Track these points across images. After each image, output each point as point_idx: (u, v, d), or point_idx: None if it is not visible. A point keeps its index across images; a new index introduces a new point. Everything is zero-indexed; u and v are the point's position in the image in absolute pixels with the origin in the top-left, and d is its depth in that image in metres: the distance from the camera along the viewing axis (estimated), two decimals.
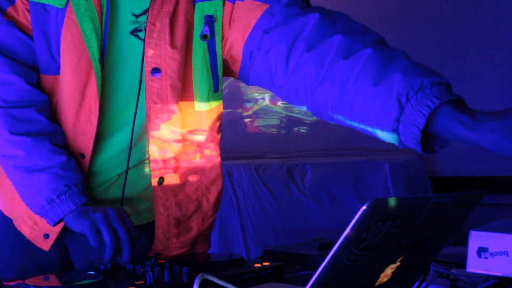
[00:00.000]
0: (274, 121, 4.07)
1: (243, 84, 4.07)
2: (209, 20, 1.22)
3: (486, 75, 3.53)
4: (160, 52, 1.21)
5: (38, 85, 1.23)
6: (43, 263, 1.32)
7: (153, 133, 1.24)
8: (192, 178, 1.31)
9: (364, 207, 0.67)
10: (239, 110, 4.12)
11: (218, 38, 1.23)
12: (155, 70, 1.21)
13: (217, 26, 1.23)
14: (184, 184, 1.30)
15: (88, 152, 1.25)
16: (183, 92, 1.25)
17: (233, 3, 1.22)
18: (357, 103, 1.03)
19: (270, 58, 1.16)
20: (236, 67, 1.26)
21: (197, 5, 1.23)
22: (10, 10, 1.20)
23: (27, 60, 1.21)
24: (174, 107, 1.24)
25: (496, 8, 3.52)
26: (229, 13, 1.22)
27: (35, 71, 1.22)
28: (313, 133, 3.94)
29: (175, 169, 1.29)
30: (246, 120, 4.12)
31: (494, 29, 3.52)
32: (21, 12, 1.20)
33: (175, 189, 1.29)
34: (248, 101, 4.12)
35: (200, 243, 1.37)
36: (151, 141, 1.25)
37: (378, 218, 0.70)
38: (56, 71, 1.22)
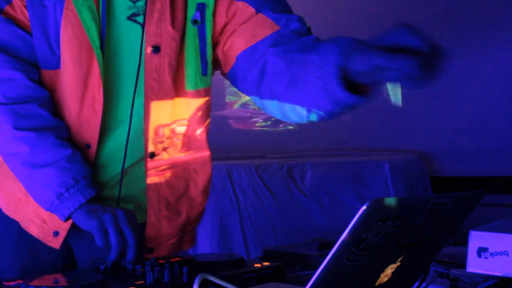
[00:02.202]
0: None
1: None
2: (201, 7, 1.26)
3: (486, 75, 3.53)
4: (160, 31, 1.23)
5: (40, 82, 1.24)
6: (46, 264, 1.32)
7: (151, 112, 1.26)
8: (181, 159, 1.34)
9: (364, 207, 0.67)
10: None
11: (208, 24, 1.27)
12: (155, 48, 1.23)
13: (208, 13, 1.27)
14: (173, 164, 1.33)
15: (94, 142, 1.26)
16: (175, 73, 1.28)
17: None
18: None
19: (264, 72, 1.22)
20: (226, 69, 1.32)
21: None
22: (7, 8, 1.22)
23: (27, 57, 1.23)
24: (169, 86, 1.27)
25: (496, 8, 3.52)
26: (227, 3, 1.26)
27: (36, 67, 1.24)
28: (312, 133, 3.94)
29: (165, 148, 1.31)
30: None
31: (494, 29, 3.51)
32: (19, 9, 1.21)
33: (165, 168, 1.32)
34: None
35: (188, 233, 1.39)
36: (148, 119, 1.27)
37: (378, 218, 0.70)
38: (56, 65, 1.23)
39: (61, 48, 1.21)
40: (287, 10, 1.29)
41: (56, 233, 1.27)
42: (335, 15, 3.84)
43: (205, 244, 3.01)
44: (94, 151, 1.26)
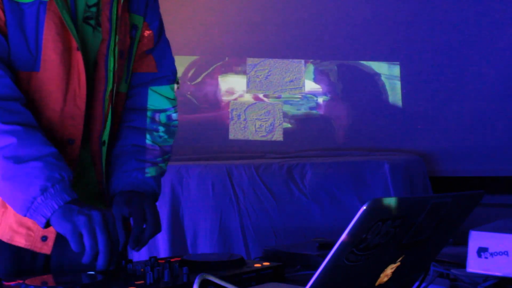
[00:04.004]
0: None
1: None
2: (135, 27, 1.45)
3: (486, 75, 3.53)
4: (124, 40, 1.39)
5: (16, 84, 1.24)
6: (25, 269, 1.29)
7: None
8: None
9: (364, 207, 0.68)
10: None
11: (136, 42, 1.46)
12: (121, 52, 1.38)
13: (137, 34, 1.46)
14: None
15: (78, 137, 1.28)
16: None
17: (151, 30, 1.48)
18: None
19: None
20: None
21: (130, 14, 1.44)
22: None
23: (4, 59, 1.23)
24: (121, 87, 1.44)
25: (497, 8, 3.52)
26: (144, 30, 1.47)
27: (12, 71, 1.24)
28: (312, 133, 3.94)
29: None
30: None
31: (494, 29, 3.52)
32: None
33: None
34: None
35: None
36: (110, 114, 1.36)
37: (378, 218, 0.70)
38: (33, 66, 1.25)
39: (43, 48, 1.24)
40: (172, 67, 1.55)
41: (44, 238, 1.24)
42: (334, 15, 3.84)
43: (205, 244, 3.01)
44: (78, 146, 1.28)
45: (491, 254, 1.06)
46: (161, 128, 1.47)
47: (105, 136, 1.36)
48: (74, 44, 1.26)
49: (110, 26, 1.33)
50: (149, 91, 1.49)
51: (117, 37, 1.35)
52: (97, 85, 1.33)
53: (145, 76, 1.49)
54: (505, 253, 1.05)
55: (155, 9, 1.50)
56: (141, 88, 1.49)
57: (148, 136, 1.45)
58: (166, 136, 1.48)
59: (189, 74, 4.19)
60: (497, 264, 1.05)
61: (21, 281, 1.02)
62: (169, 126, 1.49)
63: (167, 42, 1.54)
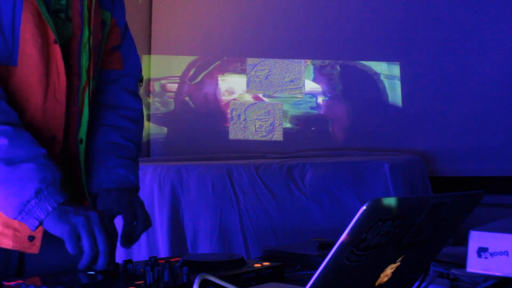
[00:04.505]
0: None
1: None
2: (104, 23, 1.42)
3: (486, 75, 3.53)
4: (96, 34, 1.36)
5: None
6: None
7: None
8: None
9: (364, 207, 0.68)
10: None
11: (104, 39, 1.43)
12: (95, 48, 1.36)
13: (105, 30, 1.43)
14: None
15: (59, 133, 1.26)
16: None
17: (119, 26, 1.47)
18: None
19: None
20: None
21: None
22: None
23: None
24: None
25: (497, 8, 3.52)
26: (112, 26, 1.45)
27: None
28: (312, 133, 3.94)
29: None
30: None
31: (494, 29, 3.51)
32: None
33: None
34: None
35: None
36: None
37: (378, 218, 0.70)
38: (9, 60, 1.20)
39: (20, 41, 1.20)
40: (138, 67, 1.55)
41: (31, 238, 1.21)
42: (334, 15, 3.84)
43: (205, 244, 3.01)
44: (59, 143, 1.26)
45: (491, 254, 1.06)
46: (132, 125, 1.46)
47: (82, 134, 1.33)
48: (52, 36, 1.22)
49: (82, 21, 1.30)
50: (118, 89, 1.48)
51: (90, 32, 1.31)
52: (70, 81, 1.29)
53: (112, 74, 1.48)
54: (505, 253, 1.05)
55: (122, 4, 1.48)
56: (110, 85, 1.47)
57: (121, 134, 1.43)
58: (137, 133, 1.47)
59: (189, 74, 4.19)
60: (497, 264, 1.05)
61: (21, 281, 1.02)
62: (138, 123, 1.48)
63: (132, 39, 1.53)
